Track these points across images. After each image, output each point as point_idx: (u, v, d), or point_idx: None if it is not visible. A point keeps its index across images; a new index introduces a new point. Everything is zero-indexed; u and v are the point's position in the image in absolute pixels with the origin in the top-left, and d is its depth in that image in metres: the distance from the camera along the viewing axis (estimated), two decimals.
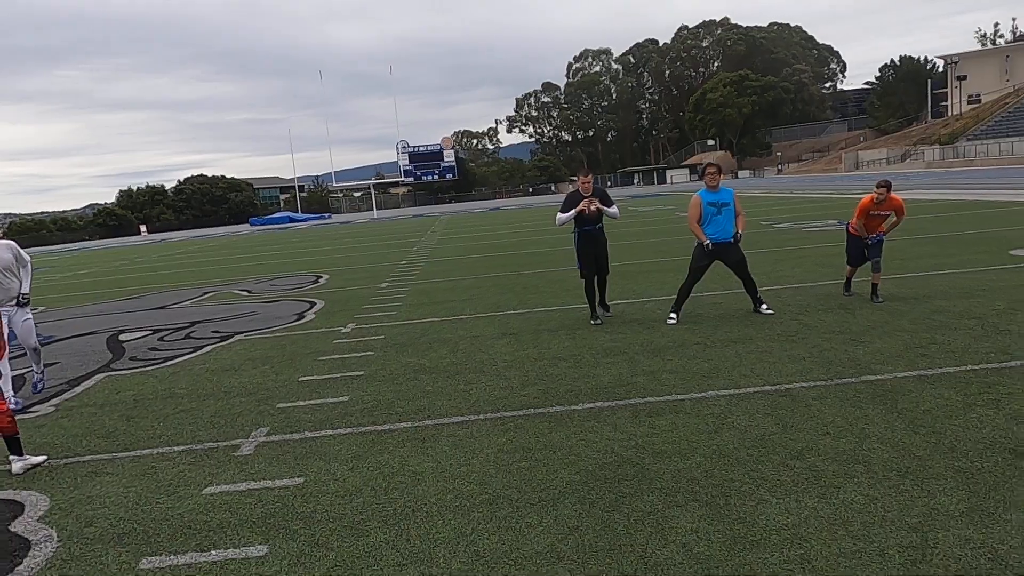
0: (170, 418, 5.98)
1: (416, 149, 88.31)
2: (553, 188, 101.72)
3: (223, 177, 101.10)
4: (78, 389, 7.37)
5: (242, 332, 9.87)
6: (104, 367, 8.38)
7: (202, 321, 11.23)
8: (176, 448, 5.20)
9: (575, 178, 9.24)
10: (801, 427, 4.53)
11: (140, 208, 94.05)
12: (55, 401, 6.92)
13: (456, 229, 32.46)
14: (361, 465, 4.55)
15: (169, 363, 8.28)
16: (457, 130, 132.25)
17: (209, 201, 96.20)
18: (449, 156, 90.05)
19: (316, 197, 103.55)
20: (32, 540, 3.89)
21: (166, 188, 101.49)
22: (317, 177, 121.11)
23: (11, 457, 4.96)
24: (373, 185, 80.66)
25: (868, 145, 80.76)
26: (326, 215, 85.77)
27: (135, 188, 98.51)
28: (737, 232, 7.84)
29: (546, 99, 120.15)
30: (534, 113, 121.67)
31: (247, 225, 75.86)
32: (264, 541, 3.63)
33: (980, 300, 7.74)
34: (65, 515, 4.18)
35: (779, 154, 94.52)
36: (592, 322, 8.30)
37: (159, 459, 5.00)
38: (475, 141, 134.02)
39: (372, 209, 78.21)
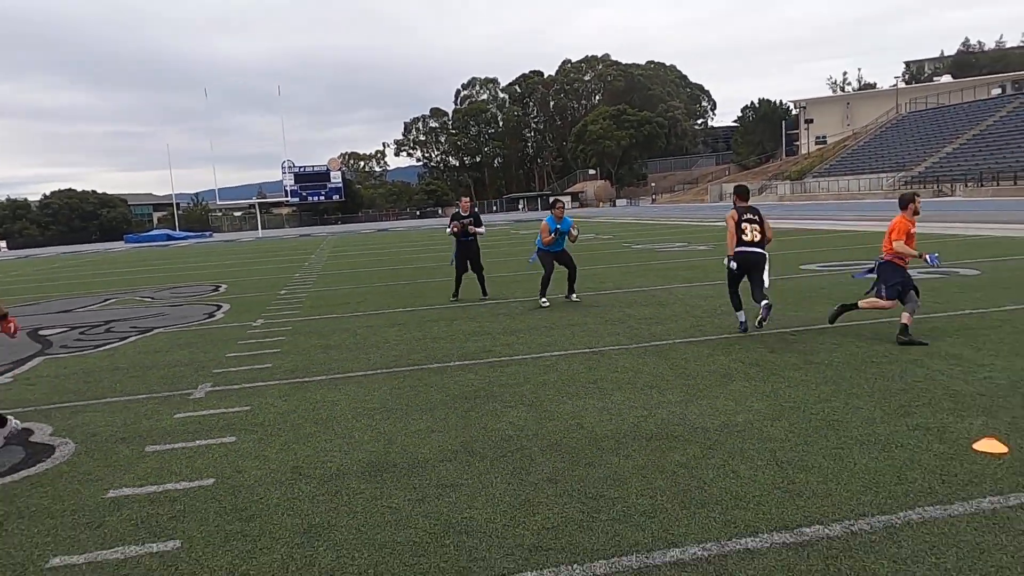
0: (123, 381, 7.44)
1: (302, 169, 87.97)
2: (440, 212, 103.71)
3: (94, 192, 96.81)
4: (23, 368, 8.57)
5: (159, 327, 11.18)
6: (39, 353, 9.54)
7: (117, 320, 12.37)
8: (139, 396, 6.72)
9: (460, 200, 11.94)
10: (600, 369, 6.66)
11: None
12: (5, 378, 8.13)
13: (345, 248, 33.76)
14: (291, 399, 6.28)
15: (100, 349, 9.56)
16: (344, 151, 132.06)
17: (78, 217, 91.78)
18: (336, 177, 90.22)
19: (195, 215, 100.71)
20: (54, 445, 5.38)
21: (29, 202, 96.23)
22: (197, 194, 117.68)
23: None
24: (258, 204, 79.63)
25: (731, 178, 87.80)
26: (207, 233, 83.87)
27: None
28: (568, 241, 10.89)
29: (434, 124, 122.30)
30: (422, 137, 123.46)
31: (121, 243, 73.21)
32: (233, 434, 5.32)
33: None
34: (71, 432, 5.67)
35: (653, 184, 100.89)
36: (452, 298, 11.72)
37: (128, 403, 6.52)
38: (362, 163, 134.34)
39: (256, 228, 77.38)
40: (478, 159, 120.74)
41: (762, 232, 7.71)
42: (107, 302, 15.65)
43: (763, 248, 7.74)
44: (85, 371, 8.09)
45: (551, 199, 11.72)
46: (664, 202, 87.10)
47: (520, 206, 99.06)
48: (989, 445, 4.23)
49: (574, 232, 10.90)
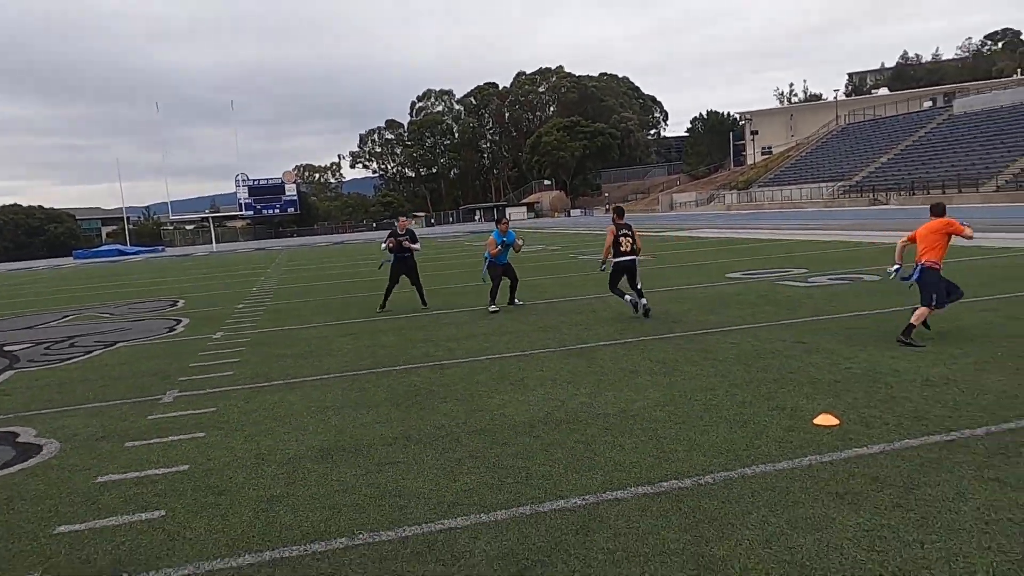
0: (95, 390, 8.11)
1: (256, 182, 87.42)
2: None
3: (41, 207, 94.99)
4: None
5: (123, 342, 11.78)
6: (8, 367, 10.09)
7: (80, 335, 12.90)
8: (113, 402, 7.42)
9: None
10: (528, 369, 7.59)
11: None
12: None
13: (301, 261, 34.22)
14: (252, 401, 7.06)
15: (67, 363, 10.15)
16: (299, 164, 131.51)
17: (24, 232, 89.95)
18: (291, 190, 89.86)
19: (147, 229, 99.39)
20: (41, 444, 6.09)
21: None
22: (148, 208, 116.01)
23: None
24: (211, 218, 79.12)
25: (681, 188, 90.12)
26: (160, 248, 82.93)
27: None
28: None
29: (389, 136, 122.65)
30: (378, 149, 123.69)
31: (70, 259, 72.00)
32: (202, 431, 6.10)
33: (686, 304, 11.36)
34: (54, 434, 6.37)
35: (607, 194, 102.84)
36: (378, 310, 12.79)
37: (103, 408, 7.22)
38: (318, 175, 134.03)
39: (210, 242, 76.86)
40: (434, 170, 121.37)
41: (633, 242, 10.25)
42: (67, 318, 16.07)
43: (635, 255, 10.29)
44: (58, 382, 8.73)
45: (497, 215, 13.21)
46: None
47: (476, 217, 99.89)
48: (825, 419, 5.25)
49: (519, 242, 12.06)
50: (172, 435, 6.06)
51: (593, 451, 4.97)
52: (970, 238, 7.82)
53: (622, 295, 10.42)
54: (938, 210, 7.87)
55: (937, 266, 7.62)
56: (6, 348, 11.94)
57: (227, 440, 5.82)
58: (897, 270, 8.11)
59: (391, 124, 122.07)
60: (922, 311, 7.62)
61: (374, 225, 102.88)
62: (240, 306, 15.81)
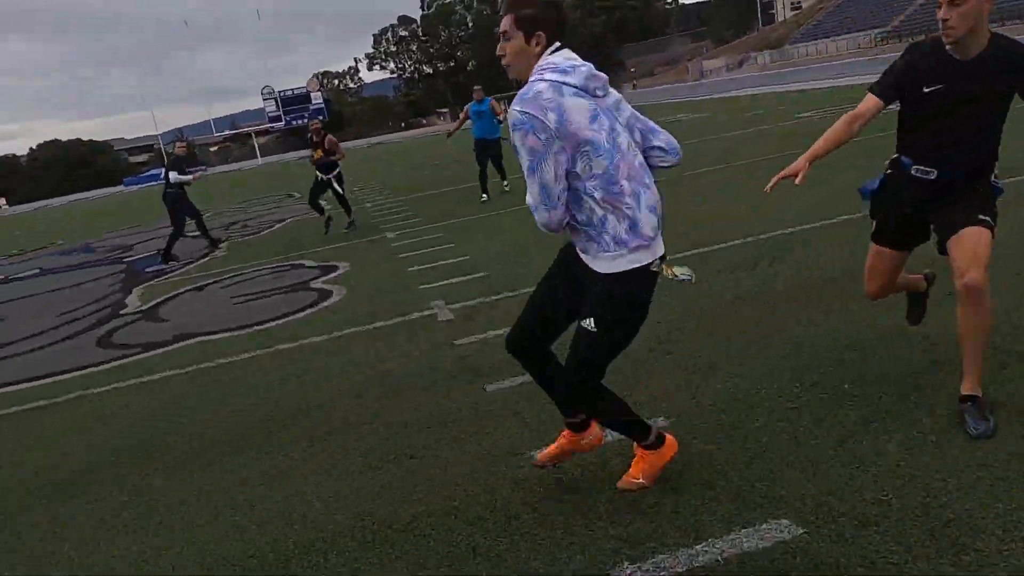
0: (316, 241, 10.59)
1: (283, 94, 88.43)
2: (424, 122, 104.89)
3: (81, 140, 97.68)
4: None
5: (288, 219, 14.30)
6: (218, 243, 12.47)
7: (246, 219, 15.47)
8: (346, 243, 9.90)
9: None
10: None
11: None
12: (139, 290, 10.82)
13: (377, 159, 36.30)
14: (439, 229, 9.49)
15: (263, 232, 12.68)
16: (316, 71, 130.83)
17: (71, 166, 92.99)
18: (317, 98, 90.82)
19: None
20: (332, 290, 8.53)
21: (18, 157, 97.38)
22: (180, 131, 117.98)
23: None
24: (254, 133, 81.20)
25: (711, 55, 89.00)
26: (203, 167, 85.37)
27: None
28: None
29: (403, 33, 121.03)
30: (393, 48, 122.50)
31: (122, 187, 74.85)
32: (440, 233, 8.57)
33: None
34: (341, 260, 8.89)
35: (632, 70, 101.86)
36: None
37: (342, 247, 9.71)
38: (337, 81, 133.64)
39: (253, 157, 79.23)
40: (452, 64, 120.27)
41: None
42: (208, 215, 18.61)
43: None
44: (269, 240, 11.28)
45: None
46: (646, 86, 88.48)
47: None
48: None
49: (498, 108, 11.61)
50: (423, 236, 8.54)
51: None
52: None
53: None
54: None
55: None
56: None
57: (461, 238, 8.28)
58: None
59: (403, 20, 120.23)
60: None
61: (403, 126, 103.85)
62: (356, 189, 18.10)
